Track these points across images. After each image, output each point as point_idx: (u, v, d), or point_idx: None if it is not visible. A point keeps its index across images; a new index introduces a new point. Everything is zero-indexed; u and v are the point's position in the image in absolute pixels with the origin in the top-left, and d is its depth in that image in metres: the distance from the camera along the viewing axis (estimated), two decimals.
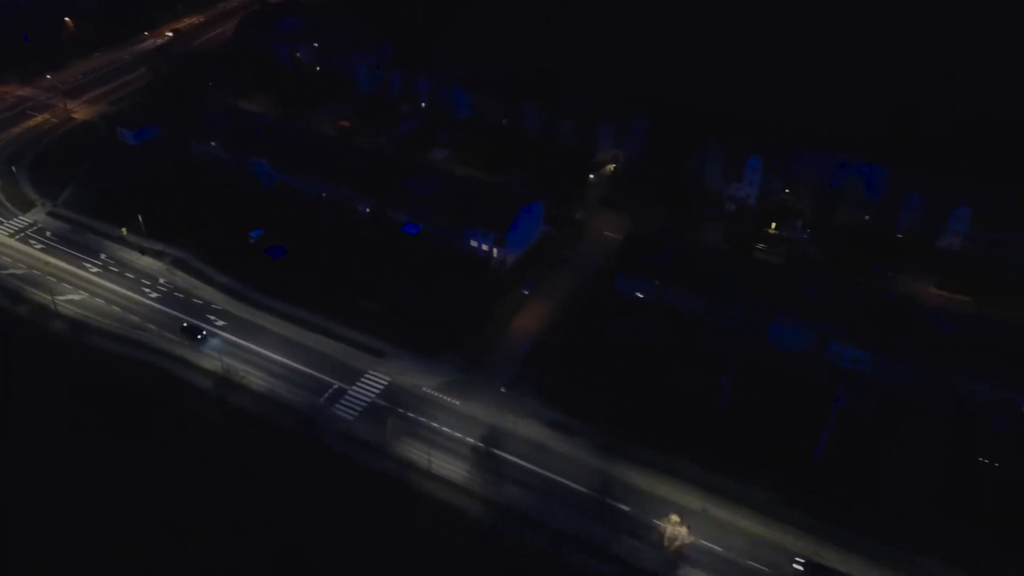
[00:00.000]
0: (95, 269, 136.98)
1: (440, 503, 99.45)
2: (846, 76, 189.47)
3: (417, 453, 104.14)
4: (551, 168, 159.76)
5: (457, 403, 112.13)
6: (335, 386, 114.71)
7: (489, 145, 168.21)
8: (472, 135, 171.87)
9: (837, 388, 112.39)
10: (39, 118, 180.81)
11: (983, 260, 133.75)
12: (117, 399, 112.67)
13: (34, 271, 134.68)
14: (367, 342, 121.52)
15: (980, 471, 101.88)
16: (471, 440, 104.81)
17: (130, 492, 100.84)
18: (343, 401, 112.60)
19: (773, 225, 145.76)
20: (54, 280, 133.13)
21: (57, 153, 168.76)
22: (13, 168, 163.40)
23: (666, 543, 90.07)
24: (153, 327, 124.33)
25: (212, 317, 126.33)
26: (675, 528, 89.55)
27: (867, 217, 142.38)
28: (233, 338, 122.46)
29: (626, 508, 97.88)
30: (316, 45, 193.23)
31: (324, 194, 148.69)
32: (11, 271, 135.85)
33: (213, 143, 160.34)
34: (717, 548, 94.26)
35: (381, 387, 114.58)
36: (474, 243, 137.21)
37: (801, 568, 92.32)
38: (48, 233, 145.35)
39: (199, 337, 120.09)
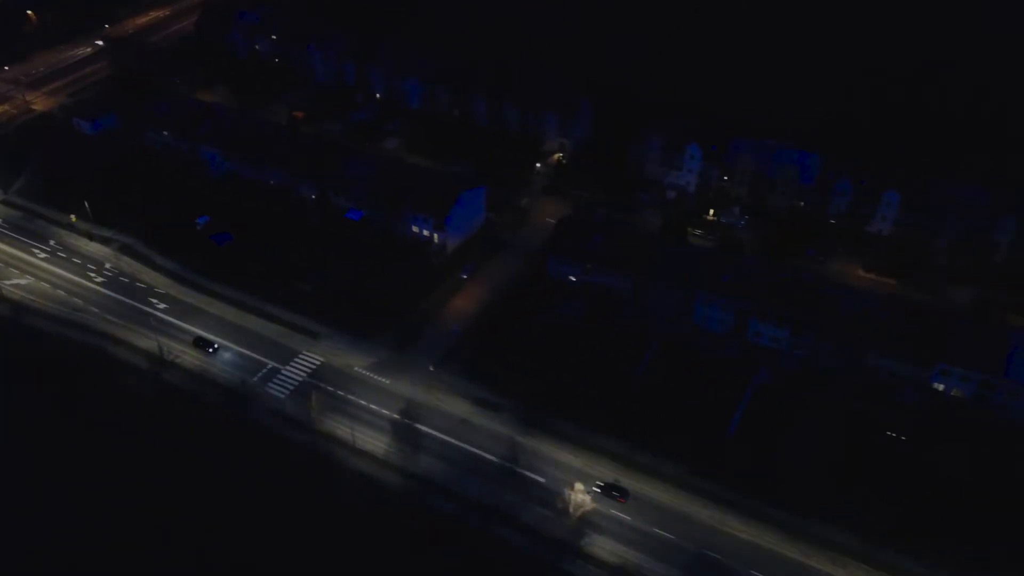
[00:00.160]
0: (43, 255, 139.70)
1: (361, 476, 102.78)
2: (783, 68, 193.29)
3: (342, 429, 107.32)
4: (499, 157, 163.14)
5: (386, 382, 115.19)
6: (269, 366, 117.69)
7: (440, 134, 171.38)
8: (423, 125, 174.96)
9: (756, 365, 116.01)
10: None
11: (910, 245, 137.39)
12: (52, 376, 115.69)
13: None
14: (303, 324, 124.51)
15: (886, 443, 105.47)
16: (396, 416, 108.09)
17: (67, 465, 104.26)
18: (276, 380, 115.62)
19: (711, 211, 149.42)
20: (2, 266, 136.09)
21: (14, 143, 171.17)
22: None
23: (571, 510, 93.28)
24: (96, 310, 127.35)
25: (154, 300, 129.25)
26: (579, 496, 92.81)
27: (801, 203, 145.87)
28: (173, 320, 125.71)
29: (541, 479, 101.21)
30: (273, 37, 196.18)
31: (271, 181, 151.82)
32: None
33: (165, 132, 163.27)
34: (625, 517, 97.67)
35: (314, 367, 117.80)
36: (415, 228, 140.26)
37: (599, 490, 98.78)
38: None
39: (211, 351, 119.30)
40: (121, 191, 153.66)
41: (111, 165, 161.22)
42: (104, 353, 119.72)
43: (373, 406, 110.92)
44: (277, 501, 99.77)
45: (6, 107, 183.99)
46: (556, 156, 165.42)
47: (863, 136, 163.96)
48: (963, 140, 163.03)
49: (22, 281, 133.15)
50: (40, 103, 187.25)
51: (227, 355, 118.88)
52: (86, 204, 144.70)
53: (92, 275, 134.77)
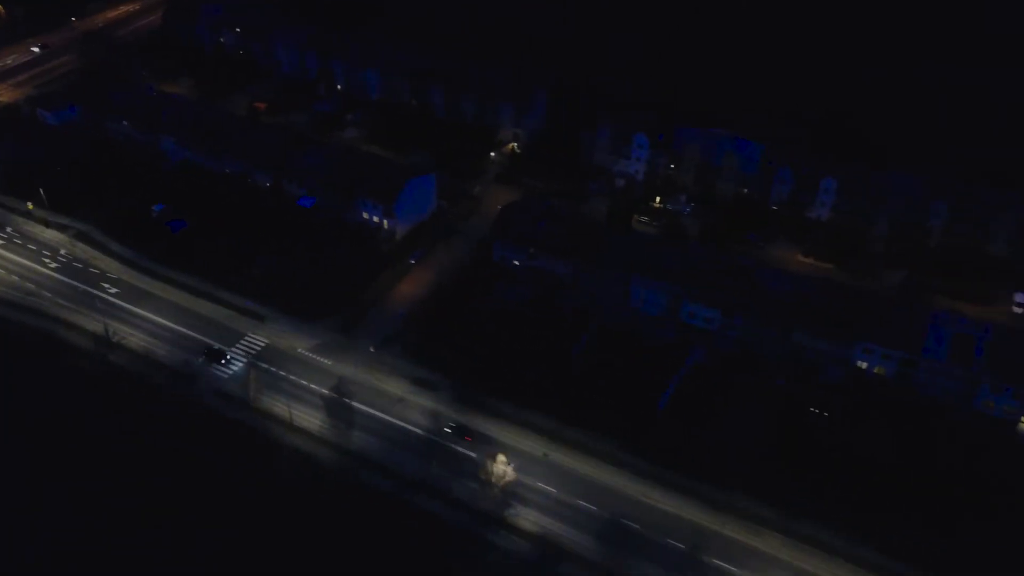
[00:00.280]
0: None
1: (298, 452, 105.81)
2: (729, 58, 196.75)
3: (280, 407, 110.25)
4: (455, 147, 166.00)
5: (328, 362, 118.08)
6: (215, 347, 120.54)
7: (398, 125, 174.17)
8: (383, 116, 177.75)
9: (691, 346, 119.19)
10: None
11: (848, 231, 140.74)
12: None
13: None
14: (251, 307, 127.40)
15: (809, 420, 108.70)
16: (335, 395, 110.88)
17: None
18: (222, 360, 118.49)
19: (657, 199, 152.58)
20: None
21: None
22: None
23: (494, 480, 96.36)
24: (48, 294, 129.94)
25: (106, 285, 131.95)
26: (501, 467, 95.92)
27: (745, 191, 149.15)
28: (124, 304, 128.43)
29: (472, 455, 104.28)
30: (238, 30, 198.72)
31: (227, 170, 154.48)
32: None
33: (125, 122, 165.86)
34: (551, 489, 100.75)
35: (258, 348, 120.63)
36: (365, 215, 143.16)
37: (449, 430, 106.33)
38: None
39: (223, 362, 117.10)
40: (80, 180, 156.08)
41: (72, 154, 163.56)
42: (54, 336, 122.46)
43: (313, 385, 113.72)
44: (212, 477, 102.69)
45: None
46: (511, 146, 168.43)
47: (807, 126, 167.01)
48: (900, 130, 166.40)
49: None
50: (7, 95, 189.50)
51: (175, 337, 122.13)
52: (41, 192, 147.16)
53: (47, 261, 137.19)
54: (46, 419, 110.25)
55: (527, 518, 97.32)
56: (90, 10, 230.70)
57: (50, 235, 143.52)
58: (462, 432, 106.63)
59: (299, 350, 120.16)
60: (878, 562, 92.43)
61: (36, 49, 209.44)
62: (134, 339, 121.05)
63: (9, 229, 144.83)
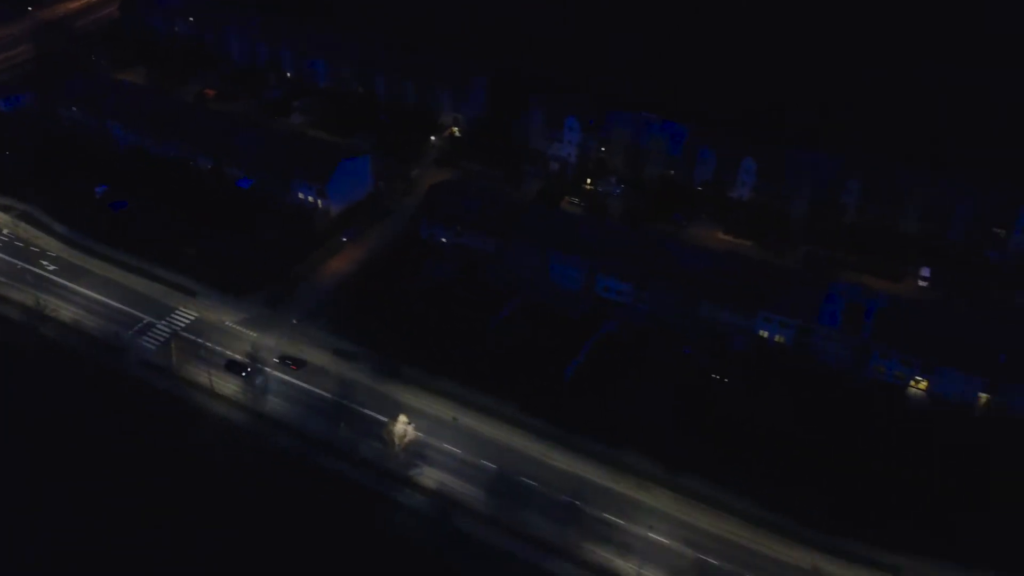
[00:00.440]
0: None
1: (217, 417, 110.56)
2: (655, 42, 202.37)
3: (203, 376, 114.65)
4: (397, 131, 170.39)
5: (253, 334, 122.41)
6: (145, 320, 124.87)
7: (344, 110, 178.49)
8: (329, 102, 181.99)
9: (604, 318, 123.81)
10: None
11: (767, 209, 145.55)
12: None
13: None
14: (183, 283, 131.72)
15: (710, 386, 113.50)
16: (250, 363, 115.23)
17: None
18: (150, 333, 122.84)
19: (588, 181, 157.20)
20: None
21: None
22: None
23: (396, 440, 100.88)
24: None
25: (45, 262, 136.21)
26: (402, 427, 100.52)
27: (672, 172, 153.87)
28: (61, 280, 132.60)
29: (384, 419, 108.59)
30: (191, 20, 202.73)
31: (172, 154, 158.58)
32: None
33: (75, 108, 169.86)
34: (457, 450, 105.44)
35: (187, 321, 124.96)
36: (301, 195, 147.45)
37: (277, 361, 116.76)
38: None
39: (243, 375, 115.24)
40: (28, 164, 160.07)
41: (21, 140, 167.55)
42: None
43: (237, 356, 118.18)
44: (135, 440, 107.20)
45: None
46: (452, 130, 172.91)
47: (733, 109, 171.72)
48: (820, 111, 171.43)
49: None
50: None
51: (108, 311, 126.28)
52: None
53: None
54: None
55: (431, 477, 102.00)
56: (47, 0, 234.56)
57: None
58: (286, 360, 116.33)
59: (226, 323, 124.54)
60: (759, 515, 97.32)
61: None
62: (66, 312, 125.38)
63: None
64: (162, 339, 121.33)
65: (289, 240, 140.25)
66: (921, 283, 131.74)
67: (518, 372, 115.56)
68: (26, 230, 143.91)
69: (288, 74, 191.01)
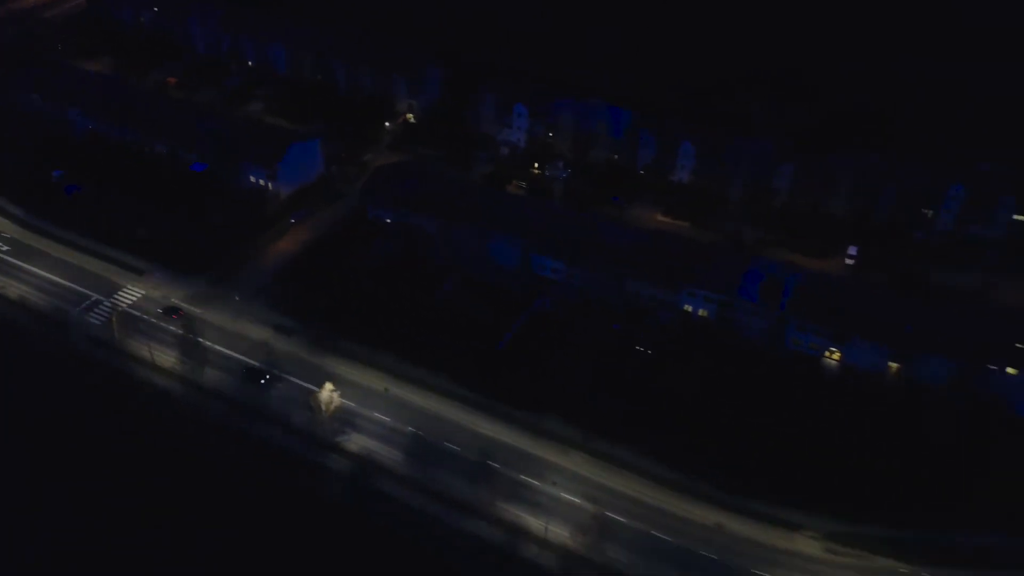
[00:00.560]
0: None
1: (156, 387, 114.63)
2: (603, 30, 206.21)
3: (144, 349, 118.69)
4: (353, 117, 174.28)
5: (197, 311, 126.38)
6: (93, 297, 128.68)
7: (302, 98, 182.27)
8: (288, 90, 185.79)
9: (538, 295, 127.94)
10: None
11: (705, 192, 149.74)
12: None
13: None
14: (132, 262, 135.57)
15: (633, 357, 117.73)
16: (196, 338, 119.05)
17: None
18: (97, 310, 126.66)
19: (536, 165, 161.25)
20: None
21: None
22: None
23: (323, 407, 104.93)
24: None
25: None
26: (327, 394, 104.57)
27: (616, 156, 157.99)
28: (12, 260, 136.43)
29: (316, 389, 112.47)
30: (156, 10, 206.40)
31: (129, 139, 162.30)
32: None
33: (35, 96, 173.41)
34: (386, 419, 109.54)
35: (134, 299, 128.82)
36: (252, 178, 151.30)
37: (161, 311, 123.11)
38: None
39: (263, 381, 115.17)
40: None
41: None
42: None
43: (178, 330, 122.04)
44: (75, 406, 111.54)
45: None
46: (407, 116, 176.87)
47: (679, 94, 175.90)
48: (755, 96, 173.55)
49: None
50: None
51: (57, 290, 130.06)
52: None
53: None
54: None
55: (357, 443, 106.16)
56: None
57: None
58: (170, 312, 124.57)
59: (171, 300, 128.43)
60: (668, 476, 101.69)
61: None
62: (13, 290, 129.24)
63: None
64: (107, 315, 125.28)
65: (239, 222, 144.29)
66: (848, 261, 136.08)
67: (452, 346, 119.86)
68: None
69: (249, 63, 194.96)
